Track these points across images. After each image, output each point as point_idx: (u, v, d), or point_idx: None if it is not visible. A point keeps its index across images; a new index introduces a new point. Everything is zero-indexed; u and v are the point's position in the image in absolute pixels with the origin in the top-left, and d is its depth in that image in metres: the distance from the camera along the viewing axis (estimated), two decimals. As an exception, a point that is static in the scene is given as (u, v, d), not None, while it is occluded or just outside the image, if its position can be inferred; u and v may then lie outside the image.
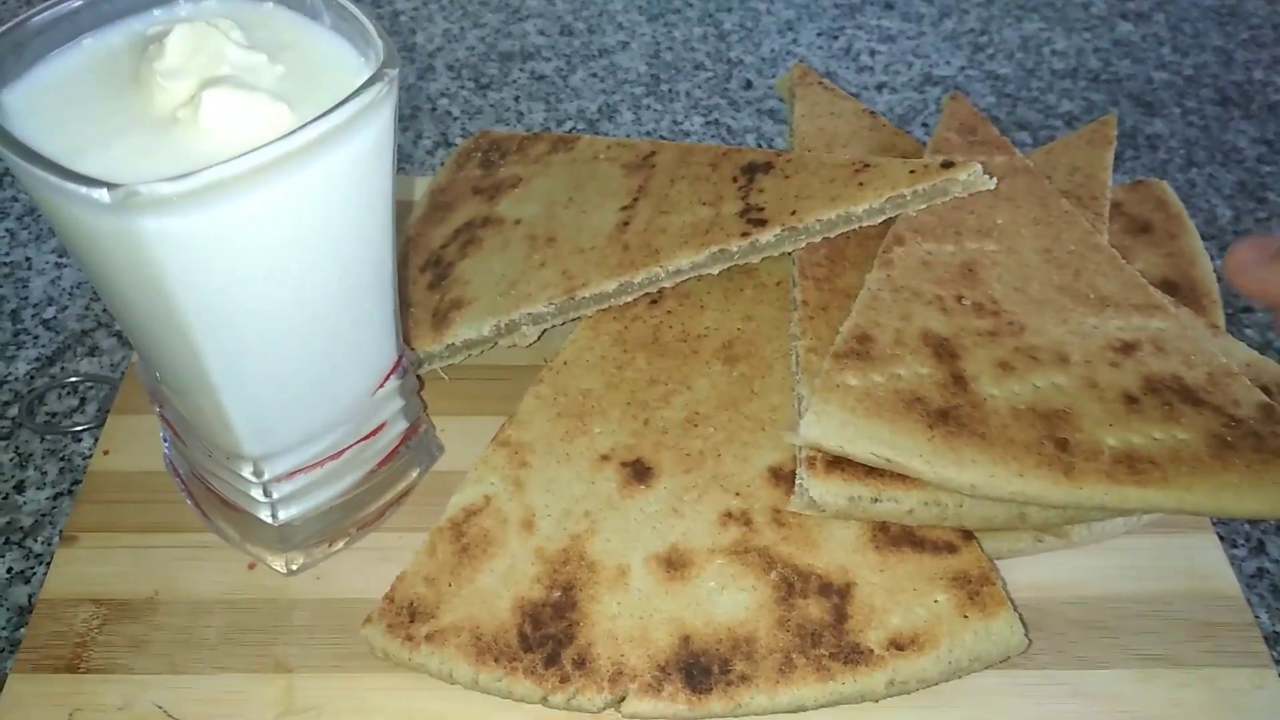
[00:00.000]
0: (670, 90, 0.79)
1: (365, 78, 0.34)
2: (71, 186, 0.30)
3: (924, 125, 0.77)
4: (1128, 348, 0.45)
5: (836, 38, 0.85)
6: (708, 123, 0.76)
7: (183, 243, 0.32)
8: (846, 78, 0.81)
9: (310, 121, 0.32)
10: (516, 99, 0.78)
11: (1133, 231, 0.57)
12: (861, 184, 0.48)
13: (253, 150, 0.31)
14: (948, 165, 0.48)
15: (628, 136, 0.74)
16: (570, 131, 0.75)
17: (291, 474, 0.41)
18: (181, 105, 0.34)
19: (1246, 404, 0.43)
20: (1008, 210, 0.51)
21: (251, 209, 0.32)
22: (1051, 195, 0.52)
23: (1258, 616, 0.48)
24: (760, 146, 0.74)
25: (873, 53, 0.84)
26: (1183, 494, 0.40)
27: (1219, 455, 0.41)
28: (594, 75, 0.80)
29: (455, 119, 0.75)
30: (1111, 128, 0.62)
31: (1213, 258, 0.68)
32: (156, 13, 0.38)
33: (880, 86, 0.81)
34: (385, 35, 0.36)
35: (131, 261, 0.32)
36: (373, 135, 0.35)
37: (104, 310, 0.58)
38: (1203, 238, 0.69)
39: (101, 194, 0.30)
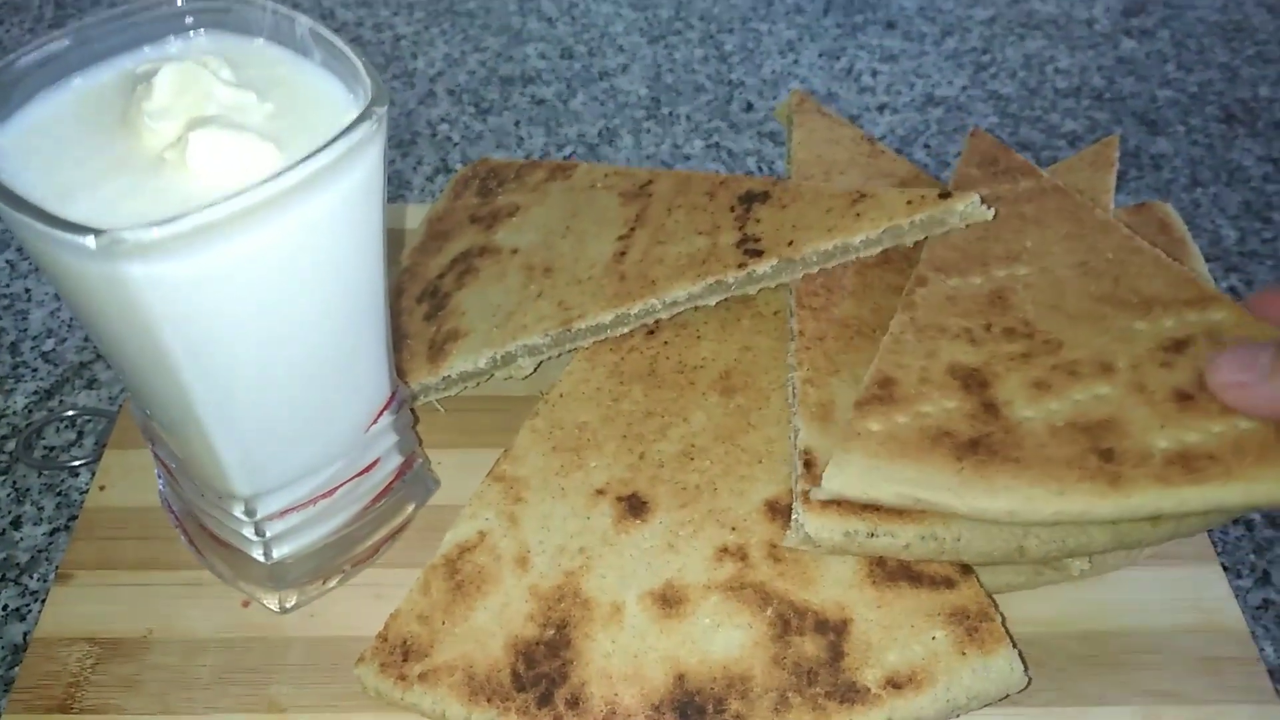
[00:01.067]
0: (671, 113, 0.79)
1: (354, 115, 0.34)
2: (57, 233, 0.30)
3: (926, 146, 0.77)
4: (1179, 345, 0.43)
5: (838, 58, 0.85)
6: (708, 146, 0.76)
7: (170, 286, 0.32)
8: (848, 99, 0.81)
9: (298, 162, 0.32)
10: (517, 123, 0.78)
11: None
12: (858, 214, 0.48)
13: (239, 193, 0.31)
14: (945, 195, 0.47)
15: (628, 160, 0.74)
16: (570, 156, 0.75)
17: (284, 512, 0.41)
18: (169, 146, 0.34)
19: None
20: (1036, 232, 0.49)
21: (239, 252, 0.32)
22: (1084, 208, 0.51)
23: (1262, 649, 0.47)
24: (761, 169, 0.74)
25: (874, 73, 0.84)
26: (1250, 485, 0.38)
27: None
28: (594, 99, 0.80)
29: (455, 144, 0.75)
30: (1114, 149, 0.61)
31: (1217, 280, 0.67)
32: (147, 50, 0.39)
33: (882, 107, 0.80)
34: (374, 73, 0.36)
35: (119, 305, 0.32)
36: (362, 173, 0.35)
37: (102, 341, 0.58)
38: (1208, 259, 0.68)
39: (88, 240, 0.30)
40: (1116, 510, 0.39)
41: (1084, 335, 0.44)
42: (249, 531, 0.41)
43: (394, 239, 0.40)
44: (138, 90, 0.35)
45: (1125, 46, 0.88)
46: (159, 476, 0.46)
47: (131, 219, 0.30)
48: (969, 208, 0.47)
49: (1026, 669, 0.41)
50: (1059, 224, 0.50)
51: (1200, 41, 0.88)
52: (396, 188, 0.71)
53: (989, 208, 0.48)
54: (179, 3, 0.38)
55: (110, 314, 0.33)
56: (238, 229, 0.32)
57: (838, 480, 0.40)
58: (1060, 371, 0.43)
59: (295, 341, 0.36)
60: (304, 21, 0.38)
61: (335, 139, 0.33)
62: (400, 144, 0.75)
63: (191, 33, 0.39)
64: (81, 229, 0.30)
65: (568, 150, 0.75)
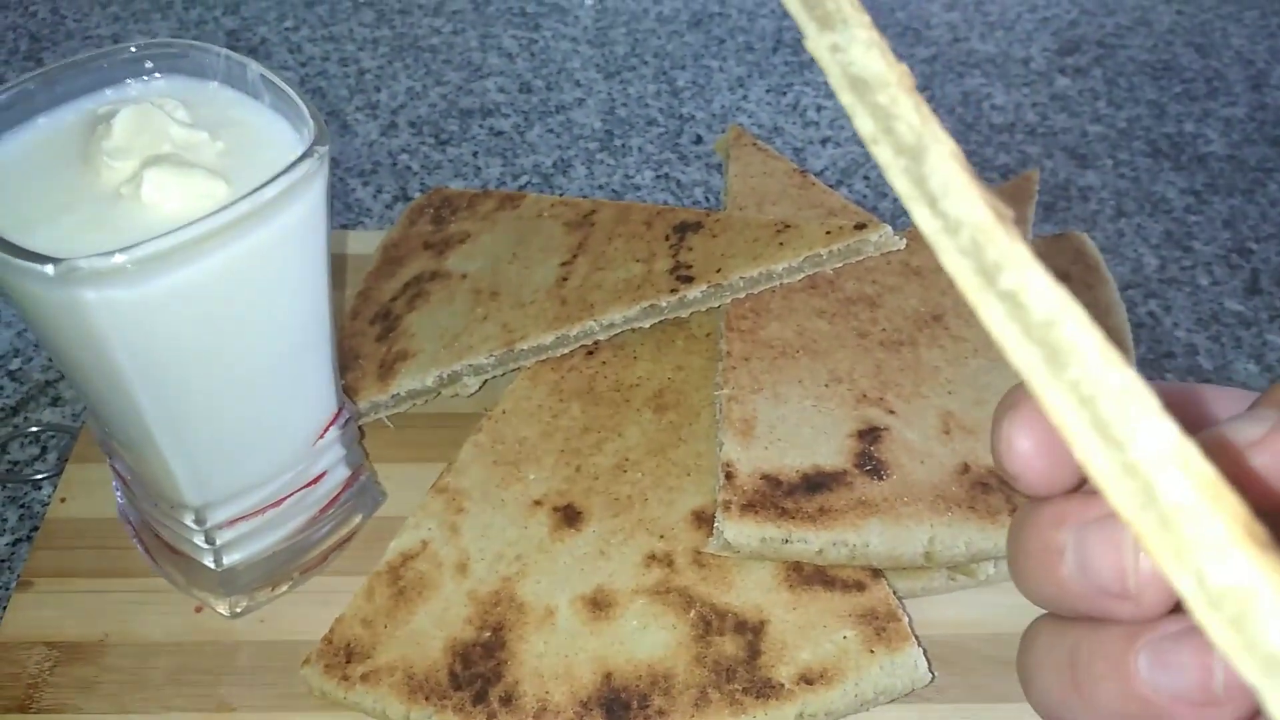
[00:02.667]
0: (623, 145, 0.82)
1: (299, 153, 0.37)
2: (18, 262, 0.33)
3: (865, 178, 0.80)
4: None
5: (785, 94, 0.89)
6: (658, 177, 0.80)
7: (123, 312, 0.34)
8: (792, 132, 0.85)
9: (243, 196, 0.35)
10: (475, 154, 0.81)
11: (1050, 283, 0.60)
12: (782, 244, 0.51)
13: (188, 224, 0.34)
14: (860, 227, 0.51)
15: (581, 190, 0.78)
16: (525, 186, 0.78)
17: (233, 521, 0.44)
18: (125, 182, 0.37)
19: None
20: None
21: (189, 279, 0.35)
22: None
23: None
24: (708, 199, 0.78)
25: (819, 108, 0.88)
26: None
27: None
28: (550, 131, 0.83)
29: (415, 174, 0.78)
30: (1034, 183, 0.65)
31: (1134, 305, 0.71)
32: (108, 92, 0.41)
33: (824, 141, 0.84)
34: (318, 115, 0.39)
35: (76, 329, 0.35)
36: (305, 208, 0.38)
37: (68, 362, 0.61)
38: (1128, 286, 0.72)
39: (47, 269, 0.32)
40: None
41: None
42: (200, 540, 0.44)
43: (338, 264, 0.42)
44: (98, 130, 0.38)
45: (1059, 84, 0.92)
46: (116, 489, 0.49)
47: (89, 249, 0.33)
48: (882, 238, 0.50)
49: (931, 667, 0.44)
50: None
51: (1130, 80, 0.93)
52: (356, 214, 0.74)
53: (900, 238, 0.51)
54: (136, 50, 0.41)
55: (68, 336, 0.36)
56: (187, 258, 0.35)
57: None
58: None
59: (243, 362, 0.39)
60: (255, 67, 0.41)
61: (279, 175, 0.36)
62: (361, 173, 0.78)
63: (149, 76, 0.42)
64: (41, 258, 0.33)
65: (523, 180, 0.79)
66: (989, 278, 0.18)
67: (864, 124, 0.19)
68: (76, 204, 0.36)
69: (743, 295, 0.52)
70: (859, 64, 0.19)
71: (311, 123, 0.38)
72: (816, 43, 0.19)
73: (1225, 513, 0.16)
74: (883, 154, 0.19)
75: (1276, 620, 0.15)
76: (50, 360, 0.61)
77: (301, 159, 0.36)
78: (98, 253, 0.33)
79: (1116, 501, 0.16)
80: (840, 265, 0.52)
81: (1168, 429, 0.16)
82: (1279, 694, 0.15)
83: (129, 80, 0.41)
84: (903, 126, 0.19)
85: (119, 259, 0.33)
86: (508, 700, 0.43)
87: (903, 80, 0.19)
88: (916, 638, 0.44)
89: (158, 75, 0.42)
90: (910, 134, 0.19)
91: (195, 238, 0.34)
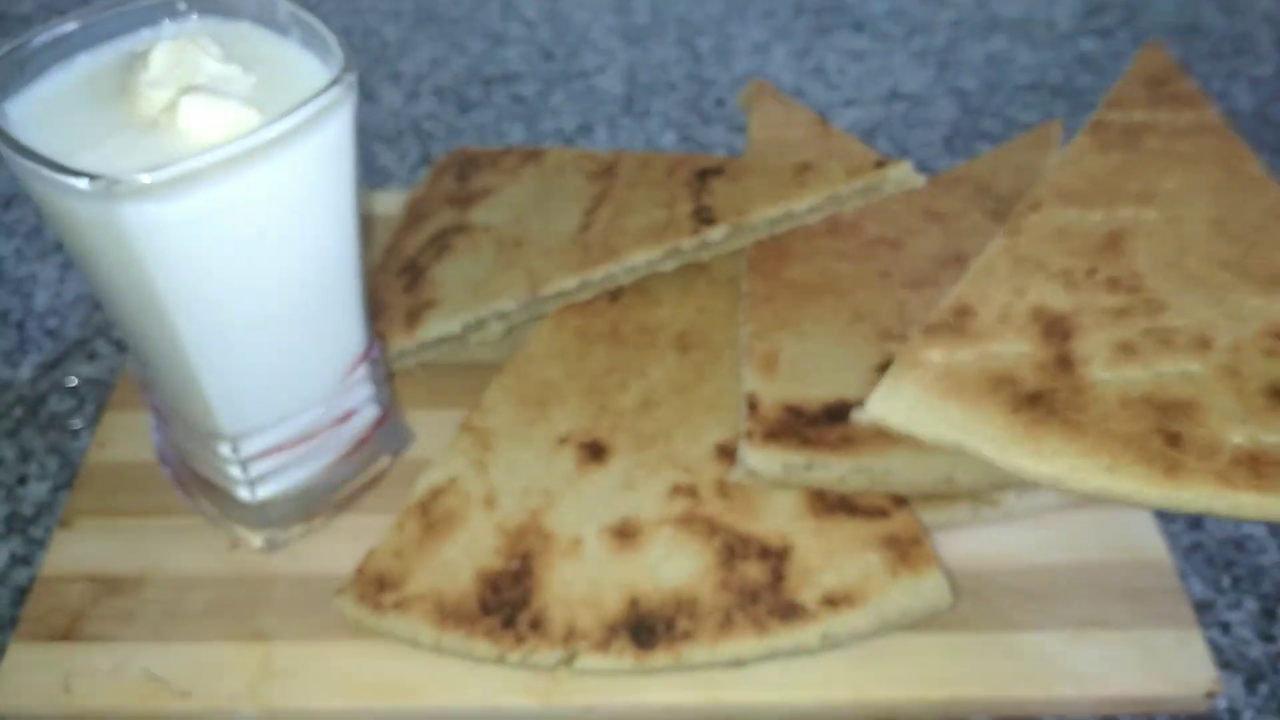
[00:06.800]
0: (645, 109, 0.83)
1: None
2: (59, 177, 0.34)
3: (889, 138, 0.81)
4: None
5: (807, 57, 0.89)
6: (681, 139, 0.80)
7: (159, 229, 0.35)
8: (815, 94, 0.85)
9: (275, 119, 0.36)
10: (497, 119, 0.82)
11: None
12: (802, 184, 0.52)
13: (223, 144, 0.35)
14: (880, 164, 0.51)
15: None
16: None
17: (267, 453, 0.45)
18: (162, 111, 0.38)
19: None
20: (1181, 174, 0.45)
21: (221, 198, 0.36)
22: (1243, 160, 0.46)
23: (1191, 586, 0.50)
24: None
25: (841, 71, 0.88)
26: None
27: None
28: (572, 97, 0.84)
29: (438, 139, 0.79)
30: (1056, 131, 0.65)
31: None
32: (144, 33, 0.43)
33: (848, 102, 0.84)
34: (345, 47, 0.40)
35: (114, 246, 0.36)
36: (333, 133, 0.38)
37: (102, 320, 0.62)
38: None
39: (82, 182, 0.33)
40: (1165, 500, 0.36)
41: (1193, 302, 0.40)
42: (235, 470, 0.45)
43: (366, 223, 0.43)
44: (135, 64, 0.40)
45: (1084, 45, 0.92)
46: (154, 429, 0.50)
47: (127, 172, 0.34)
48: (902, 174, 0.51)
49: (953, 589, 0.44)
50: (1209, 170, 0.45)
51: (1157, 40, 0.92)
52: (381, 178, 0.75)
53: (920, 175, 0.51)
54: (172, -11, 0.42)
55: (107, 257, 0.37)
56: (220, 178, 0.35)
57: (882, 406, 0.39)
58: (1153, 337, 0.39)
59: (273, 286, 0.40)
60: (284, 5, 0.42)
61: (310, 99, 0.37)
62: (386, 138, 0.79)
63: (183, 17, 0.43)
64: (79, 173, 0.34)
65: (546, 143, 0.79)
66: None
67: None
68: (116, 132, 0.37)
69: (765, 236, 0.53)
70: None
71: (340, 54, 0.39)
72: None
73: None
74: None
75: None
76: (88, 319, 0.62)
77: (330, 85, 0.37)
78: (134, 170, 0.34)
79: None
80: (862, 205, 0.52)
81: None
82: None
83: (164, 21, 0.42)
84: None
85: (155, 176, 0.34)
86: (536, 625, 0.44)
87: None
88: (940, 561, 0.45)
89: (191, 16, 0.43)
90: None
91: (229, 157, 0.35)
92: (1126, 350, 0.39)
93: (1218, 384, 0.38)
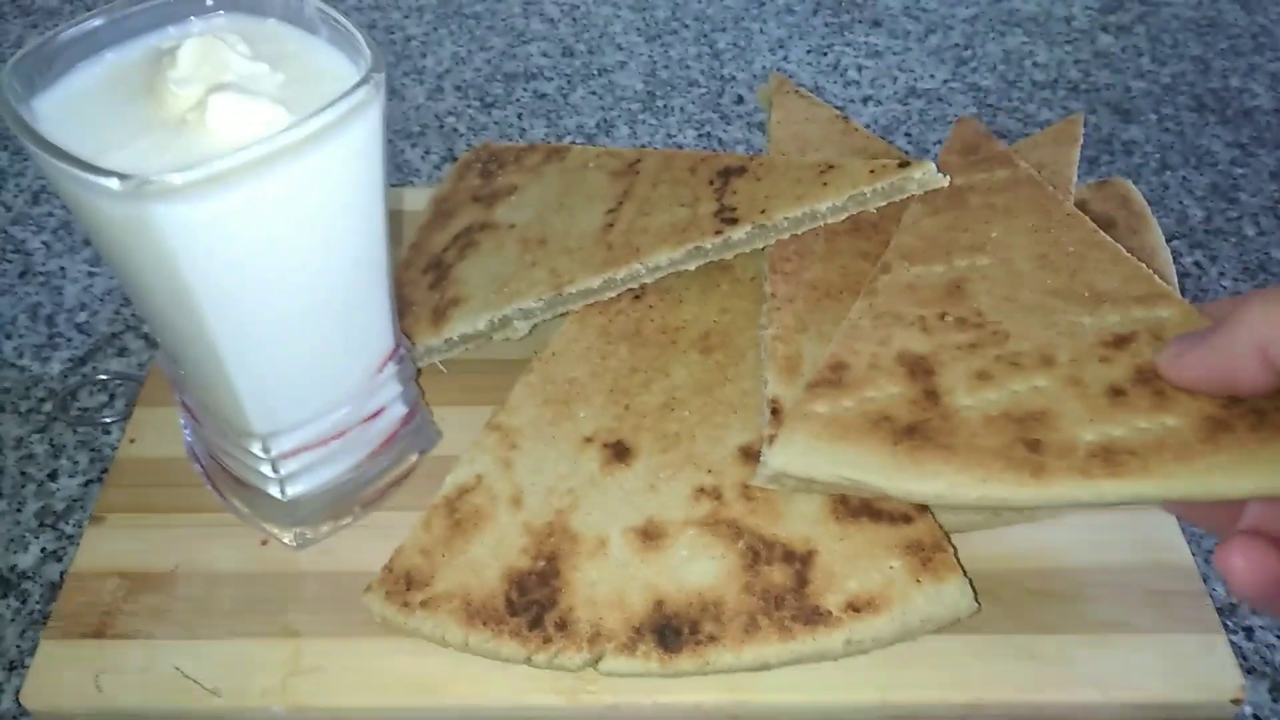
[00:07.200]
0: (665, 106, 0.83)
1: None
2: (90, 178, 0.34)
3: (907, 135, 0.81)
4: (1121, 341, 0.44)
5: (825, 54, 0.89)
6: (700, 136, 0.80)
7: (189, 228, 0.36)
8: (833, 91, 0.85)
9: (304, 118, 0.36)
10: (520, 116, 0.82)
11: (1096, 228, 0.60)
12: (825, 184, 0.52)
13: (252, 144, 0.35)
14: (904, 164, 0.51)
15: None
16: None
17: (297, 451, 0.45)
18: (191, 109, 0.38)
19: None
20: (1003, 223, 0.51)
21: (251, 198, 0.36)
22: (1053, 201, 0.51)
23: (1214, 589, 0.50)
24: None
25: (860, 68, 0.88)
26: (1165, 481, 0.39)
27: (1211, 438, 0.39)
28: (593, 93, 0.84)
29: (461, 135, 0.80)
30: (1078, 126, 0.65)
31: (1180, 255, 0.71)
32: (171, 30, 0.43)
33: (866, 100, 0.84)
34: (374, 45, 0.40)
35: (144, 245, 0.36)
36: (362, 133, 0.39)
37: (132, 315, 0.63)
38: (1173, 236, 0.72)
39: (113, 183, 0.34)
40: (1035, 498, 0.41)
41: (1032, 328, 0.45)
42: (266, 469, 0.45)
43: (393, 219, 0.44)
44: (163, 61, 0.40)
45: (1102, 42, 0.91)
46: (185, 426, 0.51)
47: (156, 171, 0.34)
48: (926, 175, 0.51)
49: (976, 596, 0.44)
50: (1026, 216, 0.51)
51: (1175, 36, 0.92)
52: (405, 174, 0.76)
53: (943, 175, 0.51)
54: (199, -14, 0.43)
55: (140, 258, 0.37)
56: (249, 177, 0.36)
57: (780, 458, 0.43)
58: (1003, 362, 0.44)
59: (303, 285, 0.40)
60: (312, 2, 0.42)
61: (337, 100, 0.37)
62: (409, 135, 0.80)
63: (211, 14, 0.43)
64: (110, 173, 0.34)
65: (567, 140, 0.80)
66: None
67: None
68: (145, 130, 0.38)
69: (787, 236, 0.53)
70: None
71: (369, 53, 0.39)
72: None
73: None
74: None
75: None
76: (117, 313, 0.63)
77: (359, 84, 0.38)
78: (165, 170, 0.34)
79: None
80: (884, 205, 0.52)
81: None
82: None
83: (191, 18, 0.43)
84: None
85: (185, 176, 0.34)
86: (563, 625, 0.44)
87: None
88: (962, 569, 0.45)
89: (219, 13, 0.43)
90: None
91: (258, 157, 0.35)
92: (983, 377, 0.44)
93: (1065, 393, 0.43)
